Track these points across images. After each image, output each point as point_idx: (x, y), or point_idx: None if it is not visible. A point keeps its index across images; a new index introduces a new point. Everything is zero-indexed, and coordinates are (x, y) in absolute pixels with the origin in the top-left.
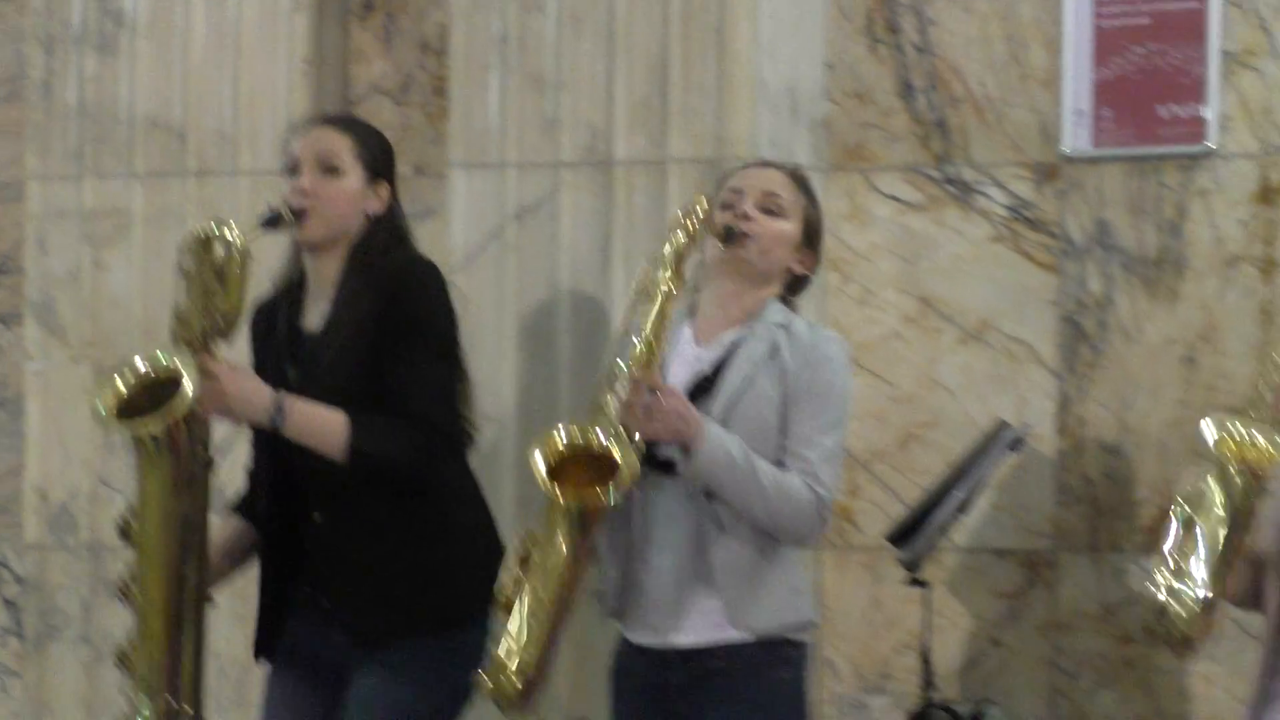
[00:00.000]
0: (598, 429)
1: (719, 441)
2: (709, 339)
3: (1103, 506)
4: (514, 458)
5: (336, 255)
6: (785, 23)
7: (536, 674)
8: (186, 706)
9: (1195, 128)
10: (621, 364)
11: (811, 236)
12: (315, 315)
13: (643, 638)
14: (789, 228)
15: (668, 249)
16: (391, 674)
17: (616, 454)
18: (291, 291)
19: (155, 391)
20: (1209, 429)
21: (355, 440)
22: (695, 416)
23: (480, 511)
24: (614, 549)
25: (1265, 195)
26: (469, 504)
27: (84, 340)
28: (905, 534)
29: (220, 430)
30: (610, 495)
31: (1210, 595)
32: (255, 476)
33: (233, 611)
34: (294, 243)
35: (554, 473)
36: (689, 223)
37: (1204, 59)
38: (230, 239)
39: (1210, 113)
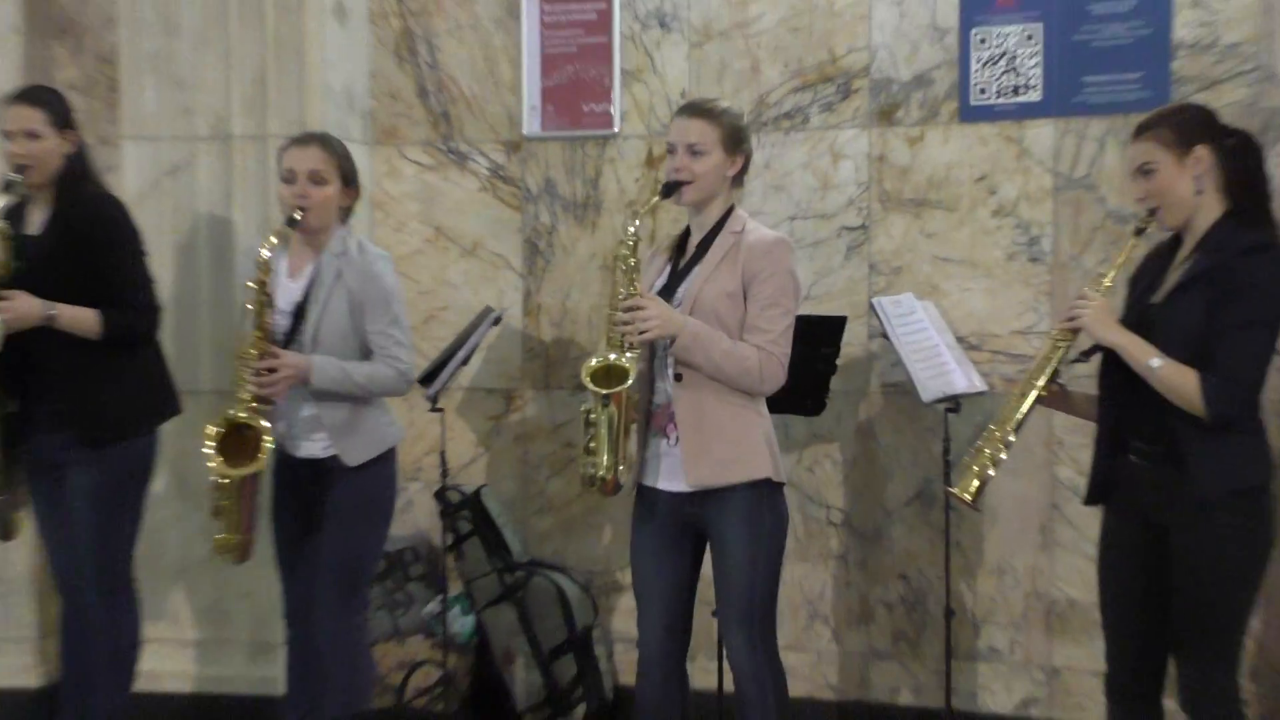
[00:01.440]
0: (236, 411)
1: (325, 370)
2: (296, 273)
3: (551, 360)
4: (168, 334)
5: (49, 183)
6: (343, 47)
7: (247, 538)
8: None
9: (606, 119)
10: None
11: (348, 178)
12: (36, 222)
13: (293, 449)
14: (330, 190)
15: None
16: (98, 469)
17: (257, 426)
18: (16, 209)
19: None
20: (584, 370)
21: (105, 323)
22: (304, 365)
23: (160, 365)
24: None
25: (650, 161)
26: (155, 357)
27: None
28: (429, 378)
29: None
30: (257, 464)
31: (606, 470)
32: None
33: None
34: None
35: (221, 448)
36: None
37: (611, 74)
38: None
39: (615, 109)
